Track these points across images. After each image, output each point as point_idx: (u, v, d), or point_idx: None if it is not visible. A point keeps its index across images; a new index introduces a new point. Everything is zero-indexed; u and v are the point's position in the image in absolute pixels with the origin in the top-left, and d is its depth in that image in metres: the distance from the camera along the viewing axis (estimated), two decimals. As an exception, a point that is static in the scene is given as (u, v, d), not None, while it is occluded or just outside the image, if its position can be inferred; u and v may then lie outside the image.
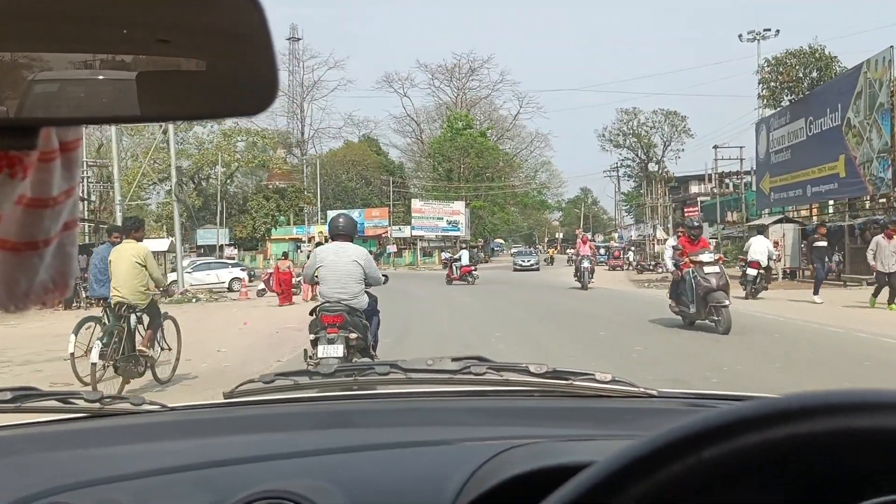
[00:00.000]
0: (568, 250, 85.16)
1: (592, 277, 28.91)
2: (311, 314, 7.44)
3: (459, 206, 68.43)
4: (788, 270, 30.40)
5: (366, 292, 7.44)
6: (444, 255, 68.63)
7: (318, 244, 27.74)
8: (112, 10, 0.57)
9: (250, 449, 1.51)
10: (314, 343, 7.09)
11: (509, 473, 1.19)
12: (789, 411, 0.57)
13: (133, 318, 9.24)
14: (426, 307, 21.48)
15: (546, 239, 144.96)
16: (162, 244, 31.27)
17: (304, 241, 68.72)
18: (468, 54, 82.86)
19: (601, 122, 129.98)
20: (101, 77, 0.59)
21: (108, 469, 1.41)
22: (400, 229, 66.29)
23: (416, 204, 65.59)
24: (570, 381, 1.75)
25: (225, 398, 1.89)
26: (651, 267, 48.51)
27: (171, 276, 29.96)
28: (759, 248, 21.68)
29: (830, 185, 28.85)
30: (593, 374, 1.78)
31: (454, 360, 1.84)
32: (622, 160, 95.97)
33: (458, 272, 37.00)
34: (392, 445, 1.50)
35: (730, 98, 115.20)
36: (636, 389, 1.77)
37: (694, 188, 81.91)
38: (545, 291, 28.88)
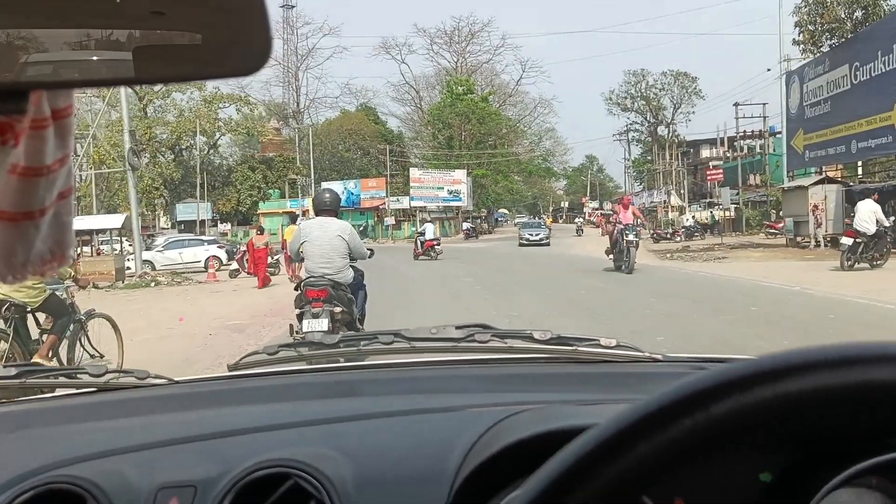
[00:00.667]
0: (576, 220, 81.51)
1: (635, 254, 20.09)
2: (296, 289, 7.48)
3: (461, 174, 64.51)
4: (829, 238, 26.51)
5: (351, 266, 7.48)
6: (465, 225, 65.15)
7: (294, 218, 24.77)
8: None
9: (255, 419, 1.50)
10: (300, 318, 7.14)
11: (515, 437, 1.18)
12: (807, 364, 0.56)
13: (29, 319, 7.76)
14: (404, 291, 17.65)
15: (551, 208, 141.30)
16: (114, 220, 27.19)
17: (300, 215, 64.96)
18: (468, 17, 78.20)
19: (607, 85, 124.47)
20: (94, 54, 0.59)
21: (114, 441, 1.41)
22: (398, 200, 62.43)
23: (414, 173, 61.67)
24: (574, 347, 1.75)
25: (229, 370, 1.89)
26: (668, 235, 44.66)
27: (131, 257, 26.23)
28: (864, 213, 18.20)
29: (883, 138, 24.84)
30: (598, 340, 1.78)
31: (458, 328, 1.83)
32: (630, 124, 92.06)
33: (423, 247, 33.12)
34: (397, 413, 1.50)
35: (746, 51, 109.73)
36: (641, 354, 1.76)
37: (705, 152, 77.75)
38: (574, 276, 20.64)
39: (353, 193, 63.71)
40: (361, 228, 64.20)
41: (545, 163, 77.30)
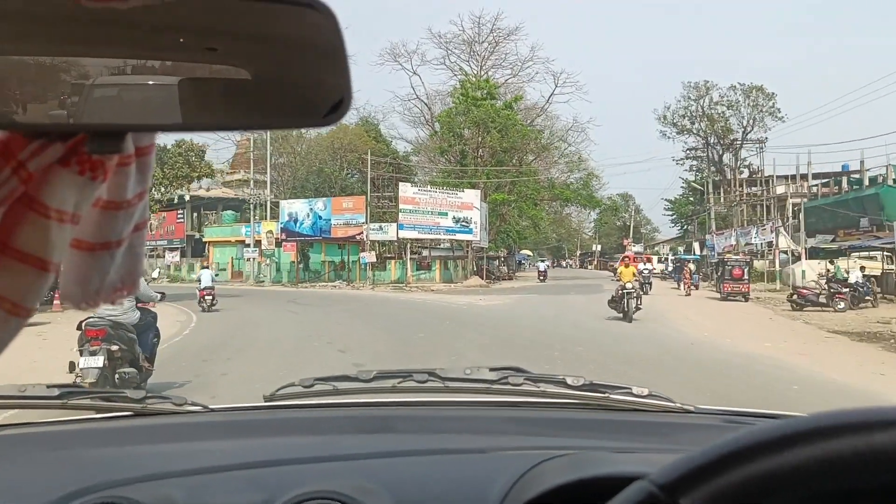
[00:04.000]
0: (613, 265, 62.47)
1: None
2: (77, 328, 7.75)
3: (472, 196, 45.18)
4: None
5: (143, 308, 8.16)
6: (538, 265, 46.65)
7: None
8: (181, 15, 0.57)
9: (295, 451, 1.52)
10: (80, 353, 7.47)
11: (552, 483, 1.18)
12: (862, 423, 0.55)
13: None
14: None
15: (578, 252, 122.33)
16: None
17: (249, 246, 45.71)
18: (491, 23, 58.75)
19: (655, 104, 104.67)
20: (181, 86, 0.60)
21: (158, 466, 1.42)
22: (381, 229, 42.97)
23: (406, 191, 42.38)
24: (607, 395, 1.72)
25: (265, 401, 1.86)
26: (822, 298, 25.02)
27: None
28: None
29: None
30: (630, 388, 1.74)
31: (492, 370, 1.80)
32: (689, 150, 72.60)
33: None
34: (433, 452, 1.51)
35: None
36: (673, 405, 1.73)
37: (781, 188, 57.85)
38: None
39: (319, 217, 44.40)
40: (334, 268, 44.75)
41: (587, 189, 57.48)
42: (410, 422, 1.77)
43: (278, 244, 46.23)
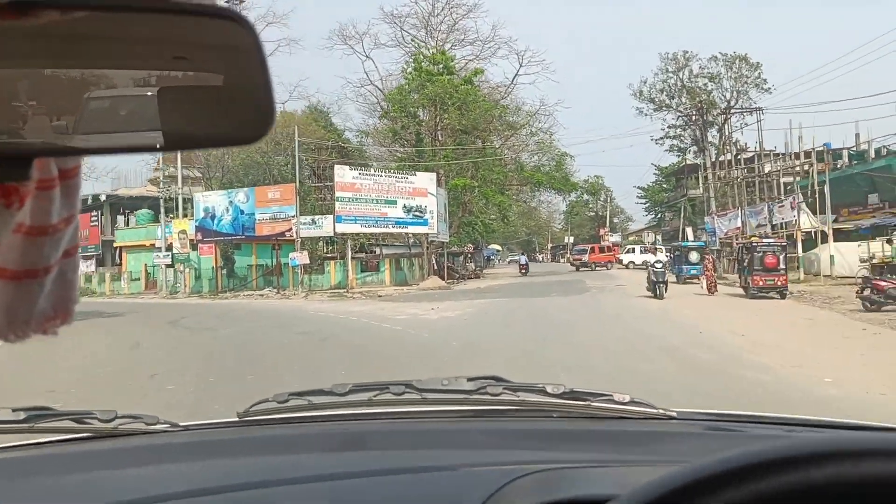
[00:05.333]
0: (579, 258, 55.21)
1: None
2: None
3: (426, 180, 37.17)
4: None
5: None
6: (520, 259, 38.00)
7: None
8: (97, 32, 0.54)
9: (266, 472, 1.48)
10: None
11: None
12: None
13: None
14: None
15: (550, 246, 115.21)
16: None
17: (161, 250, 37.25)
18: (448, 3, 50.37)
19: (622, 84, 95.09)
20: (92, 107, 0.58)
21: (129, 492, 1.40)
22: (315, 223, 34.73)
23: (344, 175, 34.13)
24: (588, 402, 1.68)
25: (239, 417, 1.81)
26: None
27: None
28: None
29: None
30: (611, 395, 1.71)
31: (469, 379, 1.77)
32: (668, 128, 65.06)
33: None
34: (406, 470, 1.48)
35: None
36: (655, 411, 1.69)
37: (766, 166, 50.44)
38: None
39: (241, 211, 36.00)
40: (262, 273, 36.52)
41: (560, 170, 49.50)
42: (384, 437, 1.72)
43: (194, 246, 37.78)
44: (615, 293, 27.97)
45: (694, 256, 32.36)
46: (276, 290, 35.27)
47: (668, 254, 31.92)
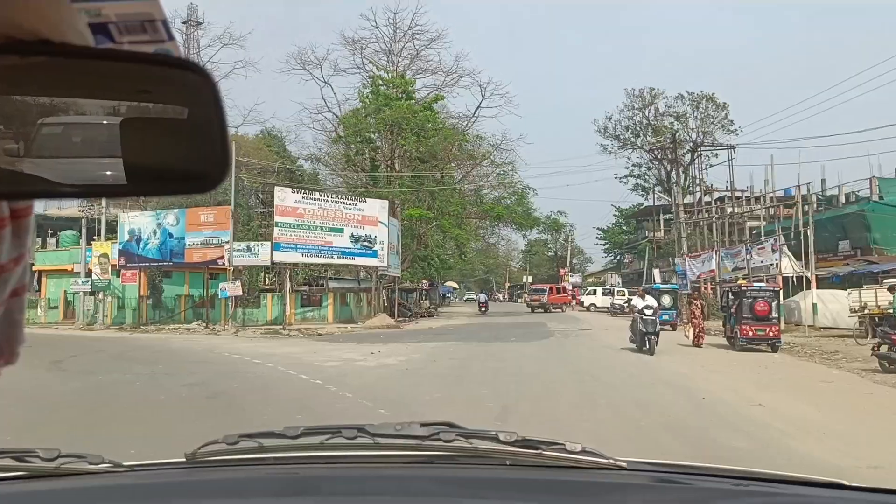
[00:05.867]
0: (538, 299, 51.73)
1: None
2: None
3: (377, 207, 33.80)
4: None
5: None
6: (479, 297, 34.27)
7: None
8: (57, 78, 0.55)
9: None
10: None
11: None
12: None
13: None
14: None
15: (507, 285, 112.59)
16: None
17: (80, 275, 33.18)
18: (411, 28, 47.32)
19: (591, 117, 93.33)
20: (45, 149, 0.58)
21: None
22: (250, 249, 30.97)
23: (284, 198, 30.56)
24: (539, 451, 1.67)
25: (187, 459, 1.75)
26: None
27: None
28: None
29: None
30: (563, 444, 1.68)
31: (423, 425, 1.76)
32: (633, 166, 62.86)
33: None
34: None
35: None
36: (605, 461, 1.67)
37: (731, 209, 48.14)
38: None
39: (170, 235, 32.18)
40: (192, 305, 32.77)
41: (522, 204, 46.49)
42: (336, 483, 1.69)
43: (116, 272, 33.72)
44: (583, 339, 24.77)
45: (667, 300, 29.43)
46: (205, 324, 31.40)
47: (637, 297, 28.78)
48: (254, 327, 30.98)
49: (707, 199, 43.03)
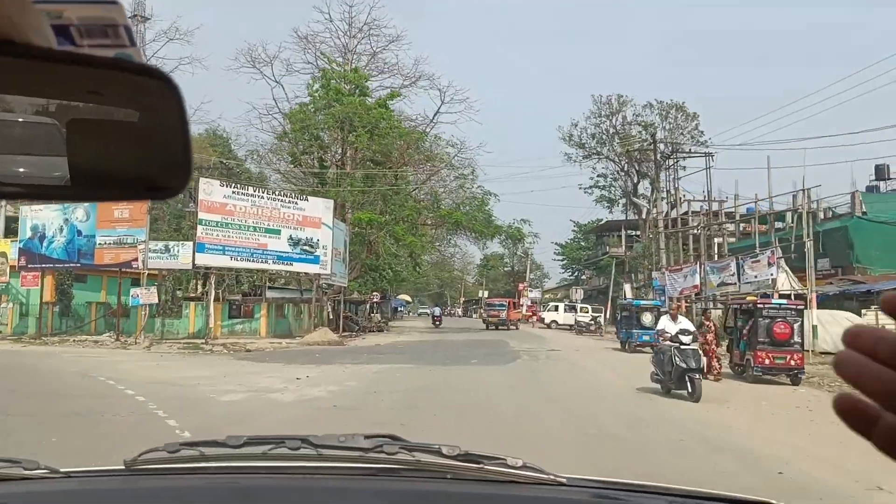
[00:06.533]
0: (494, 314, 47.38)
1: None
2: None
3: (321, 207, 29.70)
4: None
5: None
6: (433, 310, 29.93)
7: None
8: (18, 79, 0.54)
9: None
10: None
11: None
12: None
13: None
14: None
15: (462, 299, 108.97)
16: None
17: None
18: (367, 24, 43.07)
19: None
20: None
21: None
22: (169, 251, 26.44)
23: (210, 192, 26.13)
24: (481, 465, 1.67)
25: (126, 466, 1.69)
26: None
27: None
28: None
29: None
30: (505, 459, 1.69)
31: (367, 437, 1.74)
32: (598, 177, 59.65)
33: None
34: None
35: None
36: (546, 476, 1.68)
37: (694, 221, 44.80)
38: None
39: (78, 232, 27.49)
40: (104, 313, 28.13)
41: (482, 210, 42.59)
42: (275, 493, 1.67)
43: (15, 273, 28.85)
44: (556, 363, 20.89)
45: (647, 319, 25.75)
46: (114, 336, 26.78)
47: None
48: (173, 341, 26.49)
49: (683, 209, 39.58)
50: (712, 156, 38.01)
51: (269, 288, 38.63)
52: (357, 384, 14.43)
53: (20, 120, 0.56)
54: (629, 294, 37.56)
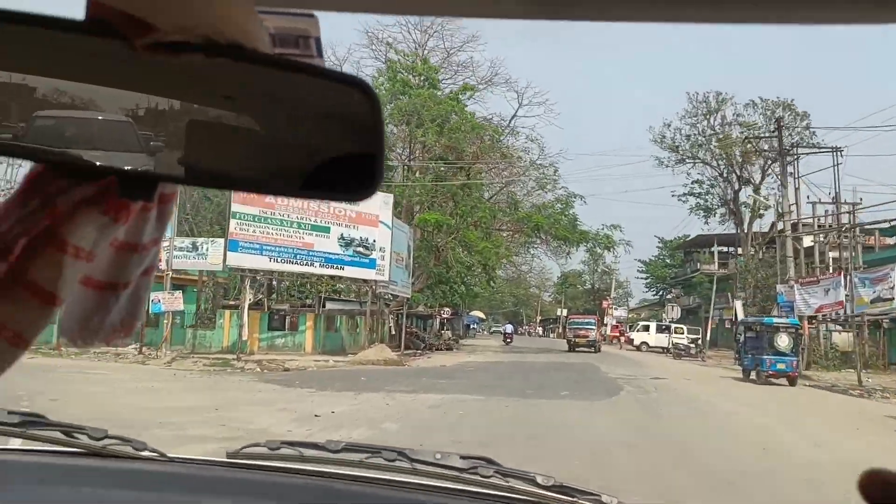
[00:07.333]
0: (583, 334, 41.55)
1: None
2: None
3: (377, 202, 25.15)
4: None
5: None
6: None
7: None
8: (236, 78, 0.60)
9: None
10: None
11: None
12: None
13: None
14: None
15: (538, 318, 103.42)
16: None
17: None
18: (440, 24, 38.97)
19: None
20: (214, 144, 0.63)
21: None
22: (195, 248, 22.37)
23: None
24: (575, 500, 1.64)
25: (228, 457, 1.80)
26: None
27: None
28: None
29: None
30: (600, 496, 1.67)
31: (462, 457, 1.74)
32: (694, 182, 53.64)
33: None
34: None
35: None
36: None
37: (808, 239, 38.08)
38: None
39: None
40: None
41: (565, 214, 37.45)
42: (372, 501, 1.70)
43: None
44: (672, 397, 15.74)
45: (784, 342, 20.22)
46: (138, 349, 22.91)
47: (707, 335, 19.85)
48: (203, 355, 22.43)
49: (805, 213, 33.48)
50: (841, 151, 31.97)
51: (330, 299, 34.64)
52: (399, 427, 9.73)
53: (218, 131, 0.61)
54: (740, 312, 31.80)
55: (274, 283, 32.55)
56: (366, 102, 0.59)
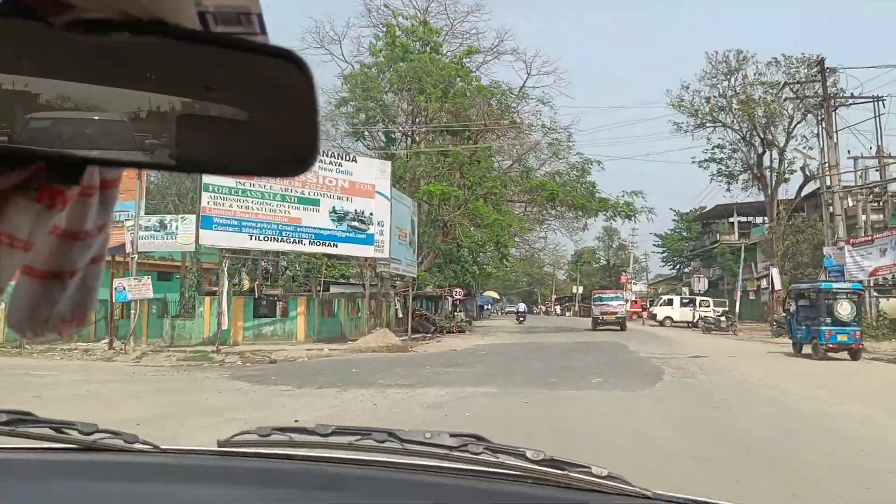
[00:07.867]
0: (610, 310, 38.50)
1: None
2: None
3: (373, 169, 22.42)
4: None
5: None
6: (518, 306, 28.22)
7: None
8: (162, 56, 0.58)
9: (243, 502, 1.53)
10: None
11: None
12: None
13: None
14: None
15: (553, 297, 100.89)
16: None
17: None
18: None
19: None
20: (145, 120, 0.61)
21: None
22: (163, 226, 19.68)
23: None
24: (565, 472, 1.63)
25: (219, 446, 1.79)
26: None
27: None
28: None
29: None
30: (590, 468, 1.65)
31: (452, 435, 1.73)
32: (714, 148, 50.36)
33: None
34: None
35: None
36: (631, 488, 1.65)
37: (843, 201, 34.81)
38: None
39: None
40: (105, 313, 21.66)
41: (581, 182, 34.58)
42: (361, 482, 1.69)
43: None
44: (726, 380, 12.97)
45: (845, 309, 17.36)
46: (109, 343, 20.35)
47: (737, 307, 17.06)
48: (182, 348, 19.85)
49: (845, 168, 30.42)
50: (883, 100, 28.89)
51: (335, 283, 31.95)
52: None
53: (144, 141, 0.60)
54: (777, 281, 28.91)
55: (270, 268, 30.02)
56: (299, 75, 0.58)
